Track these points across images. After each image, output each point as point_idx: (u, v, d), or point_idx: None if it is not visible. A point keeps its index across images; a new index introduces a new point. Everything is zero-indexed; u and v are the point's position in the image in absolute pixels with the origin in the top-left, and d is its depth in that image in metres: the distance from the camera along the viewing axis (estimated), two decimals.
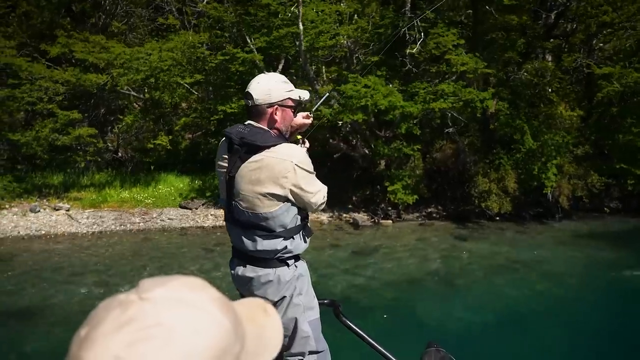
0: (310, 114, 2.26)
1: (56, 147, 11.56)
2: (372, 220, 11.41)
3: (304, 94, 2.06)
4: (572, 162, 11.87)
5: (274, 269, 1.98)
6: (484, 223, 11.37)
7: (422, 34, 10.62)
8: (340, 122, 10.62)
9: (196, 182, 12.18)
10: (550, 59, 12.92)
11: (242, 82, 12.40)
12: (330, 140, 11.94)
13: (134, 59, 11.06)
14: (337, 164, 12.33)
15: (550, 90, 11.95)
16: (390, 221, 11.43)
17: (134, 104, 13.60)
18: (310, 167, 1.96)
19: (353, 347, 2.32)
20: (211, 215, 11.05)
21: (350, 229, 10.92)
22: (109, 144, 13.64)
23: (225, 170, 1.99)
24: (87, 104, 12.80)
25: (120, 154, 13.72)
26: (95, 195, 11.20)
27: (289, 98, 1.99)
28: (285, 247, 1.97)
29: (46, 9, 12.49)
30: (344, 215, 11.66)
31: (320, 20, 10.45)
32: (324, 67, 12.08)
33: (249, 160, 1.91)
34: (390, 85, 10.69)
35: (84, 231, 9.85)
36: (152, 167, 12.75)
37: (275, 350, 0.56)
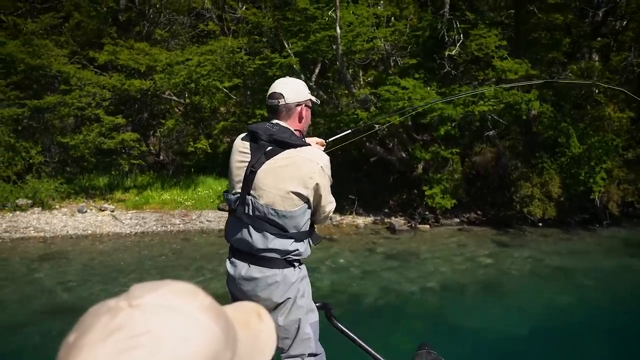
0: (325, 142, 2.40)
1: (102, 151, 12.07)
2: (409, 224, 11.25)
3: (316, 99, 2.20)
4: (622, 166, 11.31)
5: (281, 269, 1.98)
6: (525, 229, 10.99)
7: (462, 35, 10.41)
8: (377, 126, 10.55)
9: None
10: (597, 58, 12.37)
11: None
12: (367, 144, 11.88)
13: (174, 63, 11.42)
14: (374, 168, 12.26)
15: (597, 91, 11.45)
16: (428, 226, 11.23)
17: (175, 108, 14.01)
18: (330, 175, 2.03)
19: (347, 349, 2.32)
20: None
21: (387, 233, 10.81)
22: (151, 148, 14.11)
23: (245, 164, 2.01)
24: (131, 108, 13.29)
25: (161, 157, 14.15)
26: (138, 197, 11.59)
27: (310, 99, 2.12)
28: (297, 249, 2.00)
29: (95, 18, 13.09)
30: (381, 219, 11.56)
31: (359, 24, 10.42)
32: (361, 70, 12.05)
33: (276, 157, 1.96)
34: (429, 88, 10.54)
35: (127, 231, 10.21)
36: (192, 170, 13.09)
37: (270, 354, 0.56)
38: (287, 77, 2.16)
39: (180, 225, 10.63)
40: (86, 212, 10.76)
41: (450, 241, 10.36)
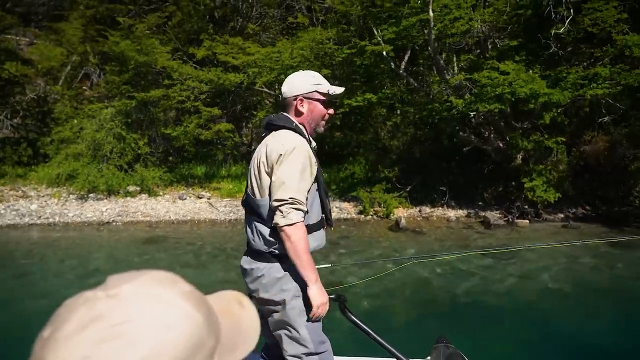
0: None
1: (200, 141, 12.83)
2: (506, 219, 10.51)
3: (336, 90, 2.03)
4: None
5: (266, 263, 1.91)
6: None
7: (572, 10, 9.37)
8: (472, 113, 9.94)
9: None
10: None
11: (368, 75, 12.35)
12: (460, 133, 11.26)
13: (267, 59, 11.72)
14: (467, 158, 11.61)
15: None
16: (527, 221, 10.40)
17: (266, 100, 14.43)
18: (295, 166, 1.82)
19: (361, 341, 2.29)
20: (336, 207, 11.22)
21: (481, 228, 10.20)
22: (244, 138, 14.70)
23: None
24: (226, 101, 13.93)
25: (253, 147, 14.69)
26: (231, 185, 12.16)
27: (316, 91, 1.99)
28: (275, 241, 1.88)
29: (194, 16, 13.89)
30: (474, 212, 10.94)
31: (455, 6, 9.82)
32: (454, 55, 11.41)
33: (262, 143, 1.99)
34: (531, 71, 9.67)
35: (222, 218, 10.75)
36: None
37: (253, 342, 0.55)
38: (297, 71, 2.12)
39: None
40: (186, 199, 11.52)
41: (553, 239, 9.49)
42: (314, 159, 1.91)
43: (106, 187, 11.27)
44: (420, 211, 11.13)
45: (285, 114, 2.03)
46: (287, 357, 1.95)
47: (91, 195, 11.34)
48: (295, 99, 1.99)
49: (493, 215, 10.59)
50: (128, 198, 11.42)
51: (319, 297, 1.84)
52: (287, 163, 1.83)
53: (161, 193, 11.77)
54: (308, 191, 1.88)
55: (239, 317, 0.56)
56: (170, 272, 0.50)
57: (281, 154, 1.84)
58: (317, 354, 1.93)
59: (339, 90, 2.03)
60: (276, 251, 1.91)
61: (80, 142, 11.78)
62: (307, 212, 1.86)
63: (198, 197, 11.66)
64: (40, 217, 10.46)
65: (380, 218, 10.77)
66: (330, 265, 3.22)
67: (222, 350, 0.49)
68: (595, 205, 10.73)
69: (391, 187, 11.21)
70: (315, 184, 1.94)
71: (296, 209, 1.80)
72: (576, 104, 10.29)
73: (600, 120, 10.18)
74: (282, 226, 1.79)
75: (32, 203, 10.99)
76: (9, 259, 8.07)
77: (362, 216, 10.81)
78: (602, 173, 10.80)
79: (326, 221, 2.04)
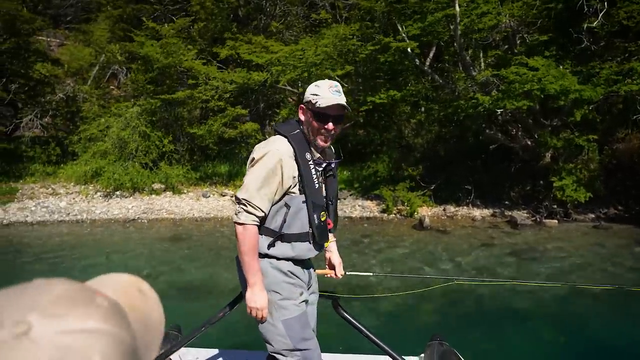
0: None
1: (223, 139, 12.91)
2: (534, 219, 10.23)
3: (322, 101, 1.93)
4: None
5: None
6: None
7: (606, 3, 9.02)
8: (499, 111, 9.70)
9: (344, 173, 12.42)
10: None
11: (392, 72, 12.20)
12: (487, 131, 11.01)
13: (291, 57, 11.69)
14: (493, 156, 11.35)
15: None
16: (556, 221, 10.10)
17: (289, 98, 14.42)
18: (260, 171, 1.86)
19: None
20: (359, 205, 11.14)
21: (507, 227, 9.95)
22: (267, 136, 14.73)
23: None
24: (250, 99, 13.99)
25: None
26: None
27: (310, 101, 1.99)
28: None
29: (218, 16, 13.98)
30: (500, 212, 10.69)
31: (483, 0, 9.58)
32: (481, 51, 11.15)
33: None
34: (561, 67, 9.36)
35: None
36: None
37: (161, 328, 0.51)
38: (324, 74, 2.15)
39: None
40: (209, 197, 11.62)
41: (584, 239, 9.19)
42: (288, 170, 1.89)
43: (131, 184, 11.46)
44: (444, 210, 10.94)
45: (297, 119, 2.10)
46: (270, 353, 1.98)
47: (117, 192, 11.55)
48: (300, 108, 2.06)
49: (520, 215, 10.32)
50: (153, 196, 11.59)
51: (252, 300, 1.90)
52: (255, 167, 1.89)
53: (185, 191, 11.90)
54: (280, 199, 1.91)
55: (143, 309, 0.49)
56: (76, 281, 0.42)
57: (254, 158, 1.91)
58: (298, 350, 1.93)
59: (325, 103, 1.92)
60: None
61: (106, 140, 12.01)
62: (261, 217, 1.89)
63: (221, 194, 11.74)
64: (69, 214, 10.72)
65: (403, 217, 10.63)
66: (372, 274, 3.27)
67: (142, 352, 0.44)
68: (629, 205, 10.34)
69: (415, 185, 11.05)
70: (302, 196, 1.93)
71: (246, 211, 1.86)
72: (609, 101, 9.92)
73: (634, 117, 9.78)
74: (234, 223, 1.90)
75: (62, 200, 11.27)
76: (39, 255, 8.30)
77: (385, 215, 10.70)
78: (637, 172, 10.40)
79: (312, 237, 1.99)
